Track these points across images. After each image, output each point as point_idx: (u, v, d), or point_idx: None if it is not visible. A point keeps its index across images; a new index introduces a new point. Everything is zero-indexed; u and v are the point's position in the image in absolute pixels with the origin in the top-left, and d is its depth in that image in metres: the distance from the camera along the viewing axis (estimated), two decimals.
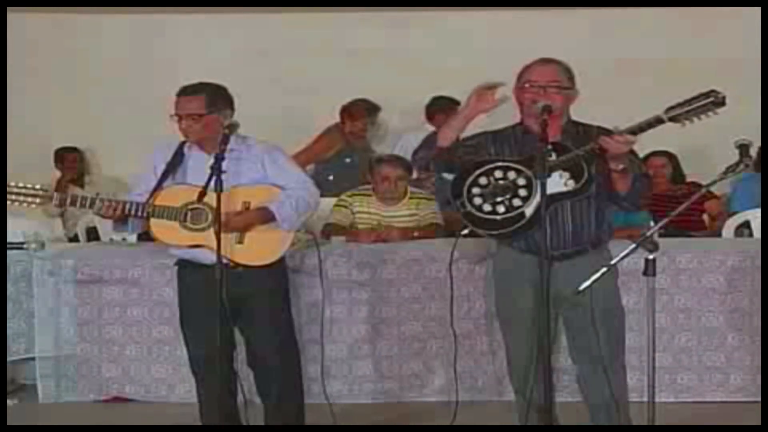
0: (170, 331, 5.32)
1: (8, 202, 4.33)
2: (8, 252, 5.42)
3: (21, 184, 4.35)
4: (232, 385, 4.44)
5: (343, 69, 7.90)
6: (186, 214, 4.27)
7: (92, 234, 6.86)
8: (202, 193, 4.06)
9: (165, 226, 4.30)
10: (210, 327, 4.13)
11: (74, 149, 8.04)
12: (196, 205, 4.23)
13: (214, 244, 4.12)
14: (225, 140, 4.17)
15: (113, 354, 5.40)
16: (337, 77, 7.87)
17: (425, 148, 4.20)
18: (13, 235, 5.61)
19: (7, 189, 4.33)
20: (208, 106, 4.29)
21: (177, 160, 4.37)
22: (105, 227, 6.70)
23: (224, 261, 4.14)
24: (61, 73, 8.13)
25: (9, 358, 5.42)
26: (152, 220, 4.30)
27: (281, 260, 4.43)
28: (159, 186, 4.33)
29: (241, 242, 4.30)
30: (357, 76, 7.85)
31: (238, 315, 4.36)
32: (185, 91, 4.34)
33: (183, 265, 4.46)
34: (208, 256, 4.22)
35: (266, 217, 4.30)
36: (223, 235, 4.14)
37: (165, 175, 4.34)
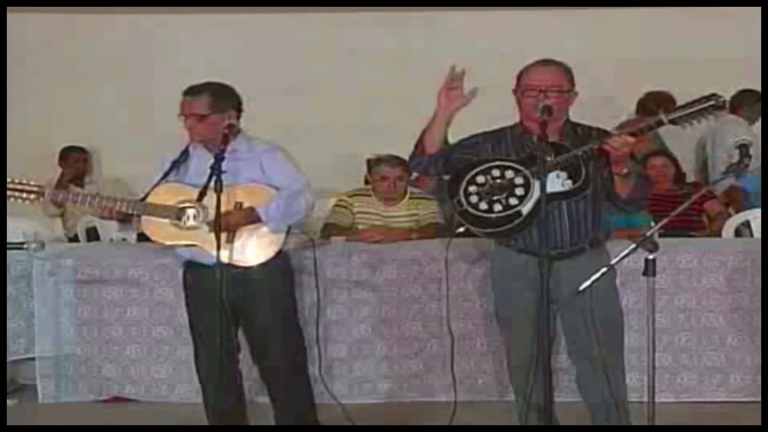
0: (170, 331, 5.33)
1: (8, 199, 4.39)
2: (8, 252, 5.41)
3: (18, 181, 4.43)
4: (237, 386, 4.46)
5: (343, 69, 7.90)
6: (177, 213, 4.28)
7: (92, 234, 6.85)
8: (202, 193, 4.07)
9: (157, 224, 4.32)
10: (212, 328, 4.13)
11: (81, 149, 8.01)
12: (187, 204, 4.25)
13: (206, 244, 4.18)
14: (225, 140, 4.19)
15: (113, 354, 5.39)
16: (337, 77, 7.86)
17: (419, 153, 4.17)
18: (13, 235, 5.60)
19: (7, 186, 4.40)
20: (210, 107, 4.30)
21: (182, 159, 4.40)
22: (105, 227, 6.72)
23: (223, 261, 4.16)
24: (61, 73, 8.13)
25: (9, 358, 5.41)
26: (144, 218, 4.33)
27: (280, 260, 4.41)
28: (158, 184, 4.35)
29: (230, 242, 4.28)
30: (357, 76, 7.85)
31: (239, 316, 4.36)
32: (190, 92, 4.35)
33: (187, 266, 4.46)
34: (206, 257, 4.23)
35: (251, 217, 4.28)
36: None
37: (167, 174, 4.35)
